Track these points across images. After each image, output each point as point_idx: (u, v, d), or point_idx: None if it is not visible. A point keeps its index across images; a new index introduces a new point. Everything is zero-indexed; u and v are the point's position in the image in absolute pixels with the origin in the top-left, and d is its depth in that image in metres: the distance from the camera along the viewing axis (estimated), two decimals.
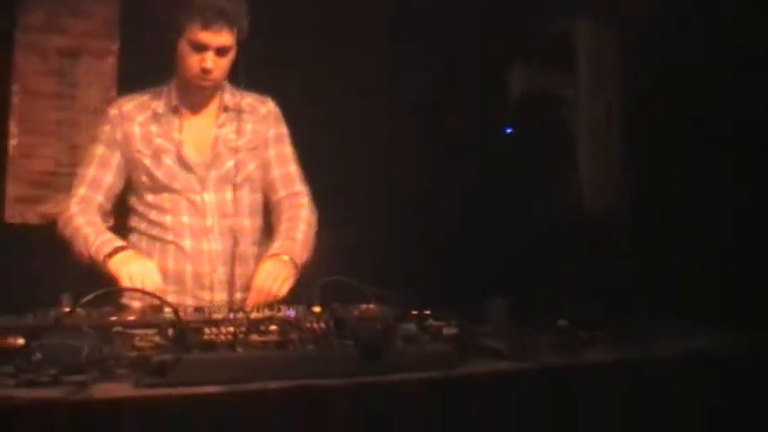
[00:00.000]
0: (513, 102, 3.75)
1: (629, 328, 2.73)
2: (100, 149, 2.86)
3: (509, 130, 3.75)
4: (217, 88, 2.89)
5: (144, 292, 2.46)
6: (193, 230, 2.83)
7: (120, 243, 2.70)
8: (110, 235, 2.75)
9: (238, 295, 2.84)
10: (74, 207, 2.80)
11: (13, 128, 4.11)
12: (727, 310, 3.36)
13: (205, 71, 2.75)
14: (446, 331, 2.26)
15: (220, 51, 2.75)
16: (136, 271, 2.59)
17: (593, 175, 3.56)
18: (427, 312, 2.29)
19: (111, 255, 2.64)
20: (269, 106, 3.02)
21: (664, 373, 2.46)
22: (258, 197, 2.97)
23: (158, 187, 2.84)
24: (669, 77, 3.94)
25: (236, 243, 2.86)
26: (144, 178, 2.84)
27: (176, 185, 2.83)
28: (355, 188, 4.29)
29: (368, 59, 4.42)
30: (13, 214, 4.09)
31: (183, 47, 2.76)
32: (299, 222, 2.90)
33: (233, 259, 2.85)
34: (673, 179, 4.01)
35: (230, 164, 2.89)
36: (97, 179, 2.84)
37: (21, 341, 1.75)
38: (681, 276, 3.77)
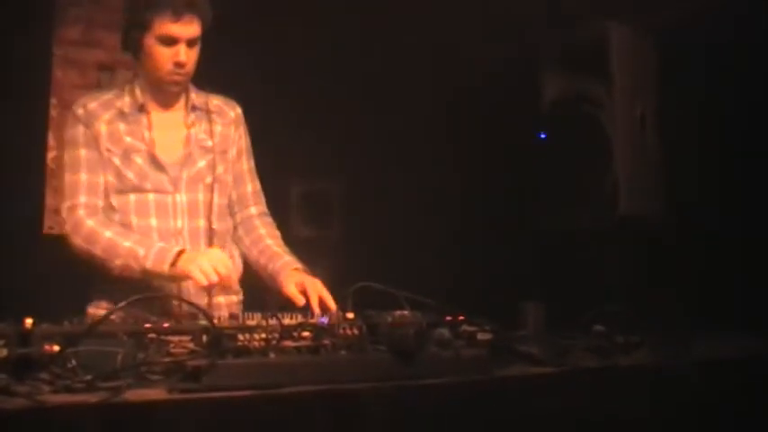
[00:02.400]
0: (549, 106, 3.74)
1: (666, 333, 2.70)
2: (83, 152, 2.75)
3: (543, 135, 3.73)
4: (185, 87, 2.83)
5: (182, 301, 2.47)
6: (161, 233, 2.75)
7: (177, 248, 2.62)
8: (159, 243, 2.66)
9: (221, 298, 2.82)
10: (88, 220, 2.69)
11: (51, 140, 4.18)
12: (761, 318, 3.33)
13: (179, 65, 2.69)
14: (480, 336, 2.25)
15: (191, 43, 2.70)
16: (205, 264, 2.52)
17: (628, 178, 3.54)
18: (461, 317, 2.28)
19: (174, 263, 2.57)
20: (237, 111, 2.98)
21: (697, 379, 2.43)
22: (226, 201, 2.91)
23: (126, 188, 2.75)
24: (705, 81, 3.91)
25: (208, 245, 2.81)
26: (111, 179, 2.75)
27: (147, 186, 2.75)
28: (391, 192, 4.29)
29: (402, 57, 4.42)
30: (52, 225, 4.15)
31: (152, 44, 2.69)
32: (281, 241, 2.94)
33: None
34: (708, 184, 3.97)
35: (202, 164, 2.84)
36: (92, 183, 2.74)
37: (56, 348, 1.76)
38: (715, 282, 3.73)
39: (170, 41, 2.68)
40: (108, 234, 2.67)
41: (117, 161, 2.75)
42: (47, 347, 1.77)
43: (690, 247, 3.93)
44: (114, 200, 2.75)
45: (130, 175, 2.75)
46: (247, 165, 2.98)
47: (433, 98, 4.47)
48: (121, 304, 1.80)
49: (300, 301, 2.65)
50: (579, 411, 2.17)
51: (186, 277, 2.59)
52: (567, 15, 3.97)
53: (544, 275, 3.99)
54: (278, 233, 2.97)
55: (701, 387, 2.44)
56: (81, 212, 2.71)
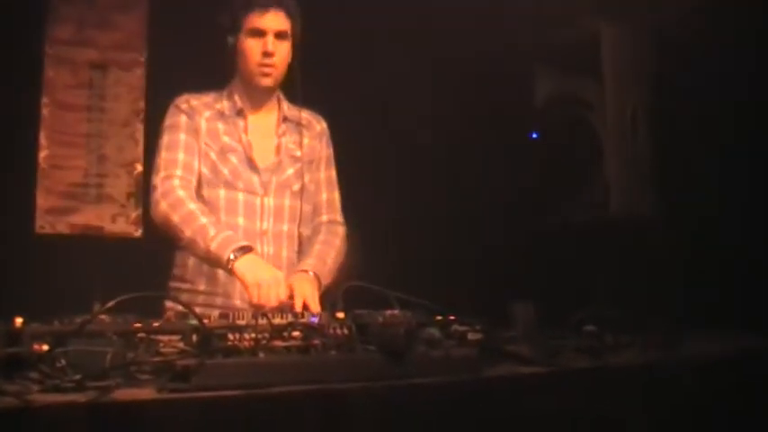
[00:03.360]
0: (540, 106, 3.76)
1: (656, 333, 2.71)
2: (182, 136, 2.86)
3: (535, 135, 3.75)
4: (277, 85, 2.94)
5: (171, 299, 2.49)
6: (248, 232, 2.84)
7: (245, 243, 2.67)
8: (230, 231, 2.72)
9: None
10: (180, 190, 2.77)
11: (42, 140, 4.17)
12: (753, 316, 3.33)
13: (267, 54, 2.82)
14: (471, 336, 2.25)
15: (279, 35, 2.83)
16: (265, 279, 2.57)
17: (619, 178, 3.56)
18: (452, 317, 2.29)
19: (237, 256, 2.61)
20: (323, 124, 3.12)
21: (689, 378, 2.44)
22: (308, 208, 3.00)
23: (218, 183, 2.86)
24: (696, 81, 3.92)
25: (289, 248, 2.93)
26: (205, 171, 2.86)
27: (239, 185, 2.87)
28: (381, 190, 4.30)
29: (396, 61, 4.43)
30: (44, 225, 4.13)
31: (244, 40, 2.85)
32: (332, 250, 2.96)
33: (287, 265, 2.90)
34: (699, 182, 3.98)
35: (290, 172, 2.96)
36: (189, 164, 2.84)
37: (45, 347, 1.76)
38: (706, 281, 3.74)
39: (258, 33, 2.83)
40: (192, 206, 2.74)
41: (213, 156, 2.87)
42: (36, 347, 1.76)
43: (681, 246, 3.94)
44: (206, 192, 2.85)
45: (225, 171, 2.86)
46: (325, 174, 3.09)
47: (423, 98, 4.47)
48: (109, 304, 1.80)
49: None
50: (569, 412, 2.17)
51: (240, 282, 2.62)
52: (558, 16, 3.97)
53: (535, 274, 3.99)
54: (337, 240, 3.02)
55: (693, 387, 2.45)
56: (176, 182, 2.80)
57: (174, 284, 2.93)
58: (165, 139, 2.88)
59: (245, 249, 2.64)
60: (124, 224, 4.24)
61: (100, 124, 4.30)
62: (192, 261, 2.87)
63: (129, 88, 4.35)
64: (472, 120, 4.49)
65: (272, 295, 2.54)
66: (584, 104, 3.60)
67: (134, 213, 4.21)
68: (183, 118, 2.89)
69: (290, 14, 2.86)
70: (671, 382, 2.41)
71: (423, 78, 4.47)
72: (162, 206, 2.76)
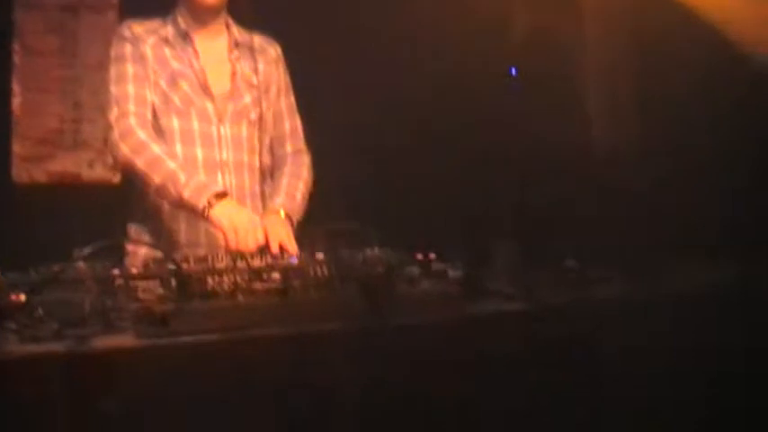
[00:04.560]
0: (518, 41, 3.74)
1: (637, 265, 2.72)
2: (129, 67, 2.74)
3: (514, 71, 3.73)
4: (221, 9, 2.83)
5: (144, 244, 2.47)
6: (207, 163, 2.76)
7: (219, 189, 2.61)
8: (203, 177, 2.67)
9: None
10: (139, 130, 2.66)
11: (15, 87, 4.11)
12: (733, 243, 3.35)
13: None
14: (451, 273, 2.25)
15: None
16: (241, 225, 2.52)
17: (602, 110, 3.56)
18: (431, 255, 2.28)
19: (212, 203, 2.55)
20: (277, 50, 3.00)
21: (670, 311, 2.45)
22: (267, 137, 2.92)
23: (170, 112, 2.75)
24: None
25: (252, 179, 2.84)
26: (156, 100, 2.75)
27: (192, 112, 2.77)
28: (365, 131, 4.26)
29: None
30: (21, 173, 4.10)
31: None
32: (300, 182, 2.88)
33: (250, 195, 2.82)
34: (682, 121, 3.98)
35: (248, 100, 2.86)
36: (140, 95, 2.73)
37: (22, 297, 1.74)
38: (687, 214, 3.76)
39: None
40: (156, 149, 2.65)
41: (163, 84, 2.76)
42: (13, 297, 1.75)
43: (662, 180, 3.95)
44: (162, 122, 2.74)
45: (176, 99, 2.75)
46: (285, 102, 2.99)
47: (394, 30, 4.43)
48: (85, 250, 1.78)
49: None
50: (551, 346, 2.18)
51: (217, 227, 2.56)
52: None
53: (517, 211, 4.00)
54: (303, 171, 2.93)
55: (674, 319, 2.47)
56: (132, 120, 2.69)
57: (134, 226, 2.82)
58: (113, 71, 2.76)
59: (220, 195, 2.58)
60: (101, 170, 4.20)
61: (73, 69, 4.23)
62: (150, 201, 2.76)
63: (102, 31, 4.25)
64: (452, 53, 4.45)
65: (250, 240, 2.50)
66: (565, 37, 3.57)
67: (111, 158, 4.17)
68: (128, 47, 2.76)
69: None
70: (651, 314, 2.43)
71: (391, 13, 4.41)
72: (123, 149, 2.66)
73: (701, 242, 3.40)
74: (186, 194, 2.58)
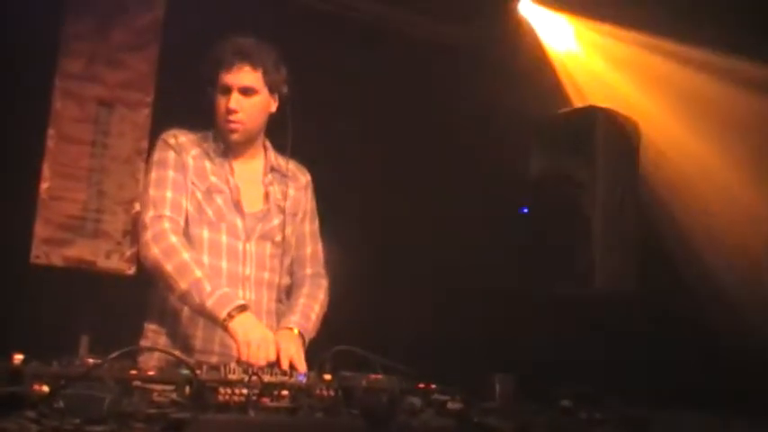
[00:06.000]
0: (532, 182, 3.86)
1: (629, 412, 2.78)
2: (171, 173, 2.87)
3: (525, 210, 3.85)
4: (248, 138, 2.95)
5: (164, 352, 2.55)
6: (231, 276, 2.87)
7: (240, 302, 2.71)
8: (227, 288, 2.75)
9: None
10: (172, 235, 2.78)
11: (45, 171, 4.23)
12: (730, 401, 3.40)
13: (229, 111, 2.85)
14: (450, 405, 2.33)
15: (244, 92, 2.86)
16: (255, 339, 2.62)
17: (605, 256, 3.64)
18: (433, 386, 2.36)
19: (233, 315, 2.65)
20: (307, 177, 3.15)
21: None
22: (288, 259, 3.04)
23: (202, 223, 2.87)
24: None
25: (269, 297, 2.96)
26: (191, 209, 2.87)
27: (222, 227, 2.88)
28: (369, 256, 4.38)
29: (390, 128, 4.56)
30: (39, 254, 4.18)
31: (214, 96, 2.88)
32: (316, 304, 3.01)
33: (266, 312, 2.95)
34: (683, 264, 4.08)
35: (276, 222, 2.98)
36: (177, 202, 2.85)
37: (46, 388, 1.82)
38: (685, 363, 3.83)
39: (225, 90, 2.86)
40: (185, 256, 2.75)
41: (199, 195, 2.88)
42: (36, 387, 1.83)
43: (661, 322, 4.03)
44: (190, 230, 2.85)
45: (209, 212, 2.88)
46: (310, 227, 3.13)
47: (413, 164, 4.60)
48: (113, 355, 1.87)
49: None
50: None
51: (232, 338, 2.66)
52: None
53: (518, 346, 4.07)
54: (320, 293, 3.06)
55: None
56: (166, 225, 2.80)
57: (151, 326, 2.94)
58: (154, 175, 2.89)
59: (241, 308, 2.69)
60: (118, 261, 4.29)
61: (102, 160, 4.37)
62: (170, 304, 2.89)
63: (134, 127, 4.43)
64: (462, 191, 4.61)
65: (262, 355, 2.61)
66: (576, 184, 3.69)
67: (128, 251, 4.26)
68: (172, 154, 2.89)
69: (256, 67, 2.86)
70: None
71: (414, 144, 4.59)
72: (154, 251, 2.77)
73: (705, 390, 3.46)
74: (209, 303, 2.68)
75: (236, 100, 2.86)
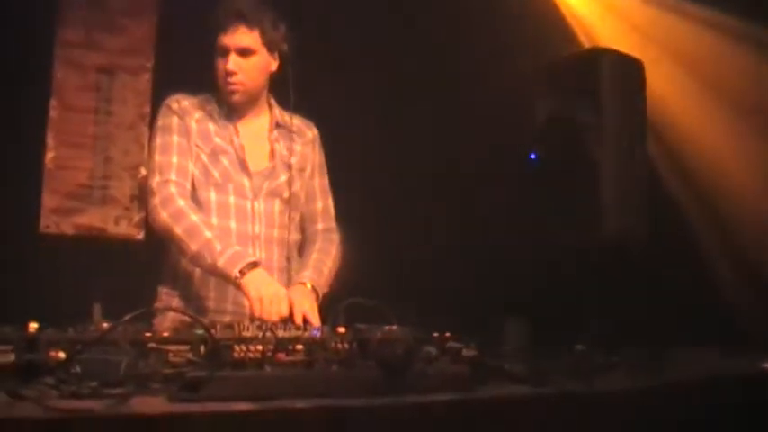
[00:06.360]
0: (539, 128, 3.83)
1: (645, 353, 2.79)
2: (175, 138, 2.89)
3: (533, 157, 3.82)
4: (249, 98, 2.96)
5: (177, 311, 2.57)
6: (240, 236, 2.88)
7: (252, 258, 2.74)
8: (237, 247, 2.78)
9: None
10: (180, 199, 2.81)
11: (50, 141, 4.24)
12: (744, 334, 3.42)
13: (228, 73, 2.86)
14: (465, 353, 2.33)
15: (242, 53, 2.86)
16: (267, 295, 2.65)
17: (615, 200, 3.62)
18: (447, 334, 2.37)
19: (244, 272, 2.69)
20: (314, 131, 3.15)
21: (677, 399, 2.52)
22: (298, 215, 3.06)
23: (209, 185, 2.89)
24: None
25: (280, 254, 2.97)
26: (196, 173, 2.89)
27: (229, 187, 2.90)
28: (382, 207, 4.38)
29: (392, 81, 4.53)
30: (49, 224, 4.21)
31: (215, 57, 2.89)
32: (328, 259, 3.02)
33: (278, 269, 2.96)
34: (694, 205, 4.08)
35: (283, 178, 2.99)
36: (183, 166, 2.87)
37: (62, 354, 1.83)
38: (700, 301, 3.84)
39: (223, 52, 2.87)
40: (194, 218, 2.78)
41: (204, 158, 2.90)
42: (53, 353, 1.84)
43: (673, 268, 4.04)
44: (199, 195, 2.88)
45: (215, 173, 2.89)
46: (319, 182, 3.13)
47: (419, 117, 4.56)
48: (127, 317, 1.87)
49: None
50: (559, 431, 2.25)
51: (245, 295, 2.69)
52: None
53: (532, 294, 4.08)
54: (333, 248, 3.07)
55: (681, 407, 2.53)
56: (173, 189, 2.83)
57: (164, 289, 2.97)
58: (158, 140, 2.91)
59: (252, 265, 2.71)
60: (127, 226, 4.32)
61: (106, 127, 4.38)
62: (182, 266, 2.91)
63: (136, 93, 4.43)
64: (470, 139, 4.59)
65: (274, 311, 2.63)
66: (584, 127, 3.66)
67: (137, 216, 4.28)
68: (176, 119, 2.91)
69: (252, 27, 2.86)
70: (658, 403, 2.50)
71: (420, 95, 4.56)
72: (162, 216, 2.80)
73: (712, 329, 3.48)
74: (221, 263, 2.70)
75: (234, 61, 2.86)
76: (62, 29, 4.31)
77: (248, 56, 2.87)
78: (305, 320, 2.66)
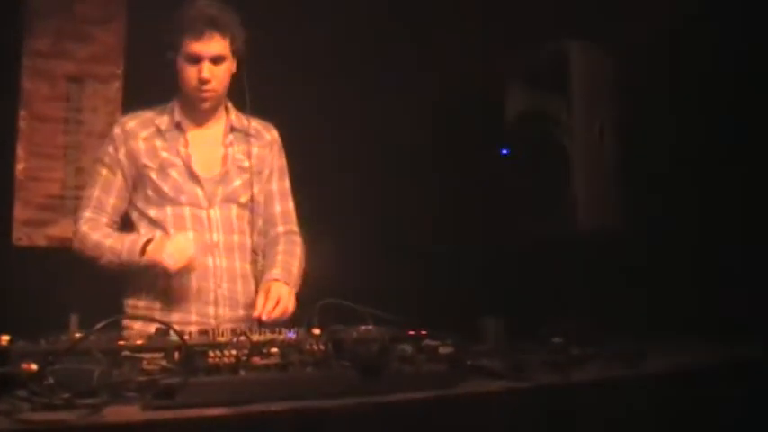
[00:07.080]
0: (509, 122, 3.84)
1: (620, 344, 2.80)
2: (103, 171, 2.96)
3: (505, 151, 3.83)
4: (218, 103, 2.97)
5: (152, 320, 2.56)
6: (198, 245, 2.87)
7: (146, 237, 2.83)
8: (133, 236, 2.88)
9: (241, 312, 2.94)
10: (84, 227, 2.91)
11: (20, 152, 4.21)
12: (719, 324, 3.44)
13: (202, 81, 2.85)
14: (442, 350, 2.33)
15: (215, 60, 2.86)
16: (172, 250, 2.75)
17: (586, 192, 3.64)
18: (423, 332, 2.37)
19: (144, 249, 2.78)
20: (273, 134, 3.13)
21: (653, 390, 2.54)
22: (259, 219, 3.04)
23: (163, 201, 2.91)
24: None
25: (242, 260, 2.97)
26: (150, 192, 2.92)
27: (182, 199, 2.91)
28: (352, 206, 4.37)
29: (367, 73, 4.52)
30: (21, 237, 4.18)
31: (182, 63, 2.87)
32: (294, 259, 3.02)
33: (240, 276, 2.97)
34: (666, 195, 4.09)
35: (237, 183, 2.98)
36: (101, 201, 2.94)
37: (34, 366, 1.82)
38: (673, 290, 3.85)
39: (194, 59, 2.85)
40: (95, 236, 2.88)
41: (154, 176, 2.92)
42: (25, 366, 1.82)
43: (647, 259, 4.05)
44: (153, 212, 2.93)
45: (166, 188, 2.91)
46: (277, 186, 3.12)
47: (397, 112, 4.56)
48: (99, 325, 1.86)
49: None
50: (538, 425, 2.26)
51: (158, 264, 2.77)
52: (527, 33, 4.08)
53: (505, 289, 4.09)
54: (297, 249, 3.08)
55: (657, 397, 2.55)
56: (82, 226, 2.92)
57: (130, 301, 2.96)
58: (93, 171, 3.03)
59: (148, 241, 2.80)
60: None
61: (77, 136, 4.36)
62: (146, 280, 2.91)
63: (106, 101, 4.41)
64: (445, 134, 4.59)
65: (183, 257, 2.76)
66: (553, 120, 3.68)
67: None
68: (110, 149, 2.96)
69: (225, 35, 2.86)
70: (634, 394, 2.51)
71: (391, 93, 4.55)
72: (75, 245, 2.95)
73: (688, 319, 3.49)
74: (124, 257, 2.81)
75: (208, 69, 2.85)
76: (30, 39, 4.29)
77: (220, 63, 2.87)
78: (278, 303, 2.77)
